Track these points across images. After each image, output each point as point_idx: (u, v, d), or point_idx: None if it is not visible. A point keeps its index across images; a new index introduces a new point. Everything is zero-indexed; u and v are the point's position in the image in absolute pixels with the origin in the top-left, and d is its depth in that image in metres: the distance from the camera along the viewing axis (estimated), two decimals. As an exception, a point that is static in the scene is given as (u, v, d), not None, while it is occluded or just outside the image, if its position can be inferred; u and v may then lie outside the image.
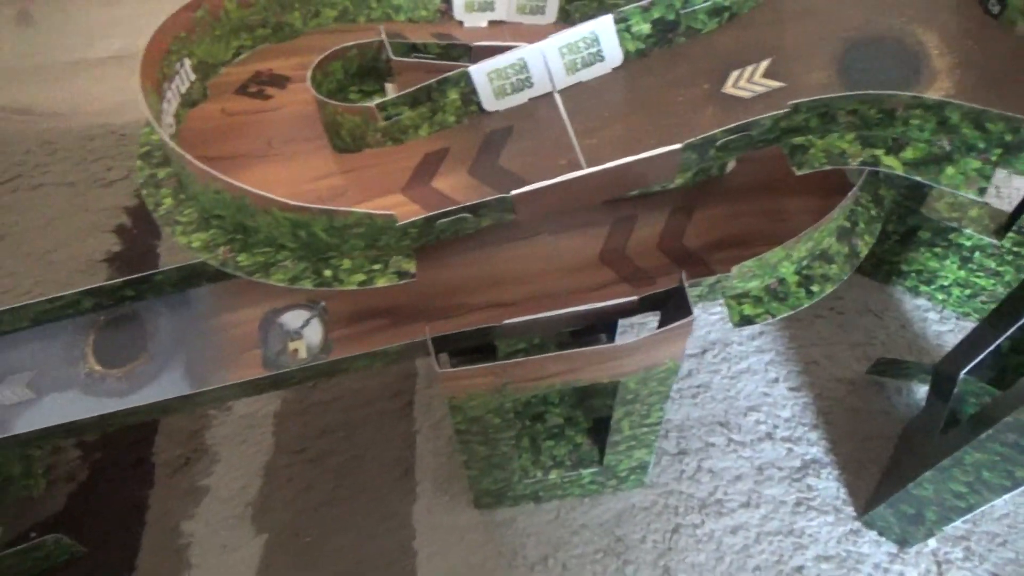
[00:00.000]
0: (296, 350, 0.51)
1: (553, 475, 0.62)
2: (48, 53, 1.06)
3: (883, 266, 0.75)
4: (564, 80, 0.44)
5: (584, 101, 0.44)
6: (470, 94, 0.44)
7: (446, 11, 0.59)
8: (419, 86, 0.43)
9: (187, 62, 0.47)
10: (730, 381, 0.72)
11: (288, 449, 0.70)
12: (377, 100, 0.45)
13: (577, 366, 0.45)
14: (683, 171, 0.40)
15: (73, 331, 0.54)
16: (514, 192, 0.37)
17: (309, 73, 0.46)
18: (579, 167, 0.40)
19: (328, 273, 0.39)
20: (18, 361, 0.54)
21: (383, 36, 0.49)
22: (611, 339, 0.61)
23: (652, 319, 0.75)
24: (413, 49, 0.50)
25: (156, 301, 0.54)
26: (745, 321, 0.46)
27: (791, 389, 0.71)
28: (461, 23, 0.59)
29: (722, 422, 0.70)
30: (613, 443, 0.57)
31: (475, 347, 0.57)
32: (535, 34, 0.59)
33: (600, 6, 0.59)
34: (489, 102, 0.44)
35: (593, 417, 0.65)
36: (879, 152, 0.40)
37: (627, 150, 0.39)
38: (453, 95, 0.44)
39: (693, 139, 0.38)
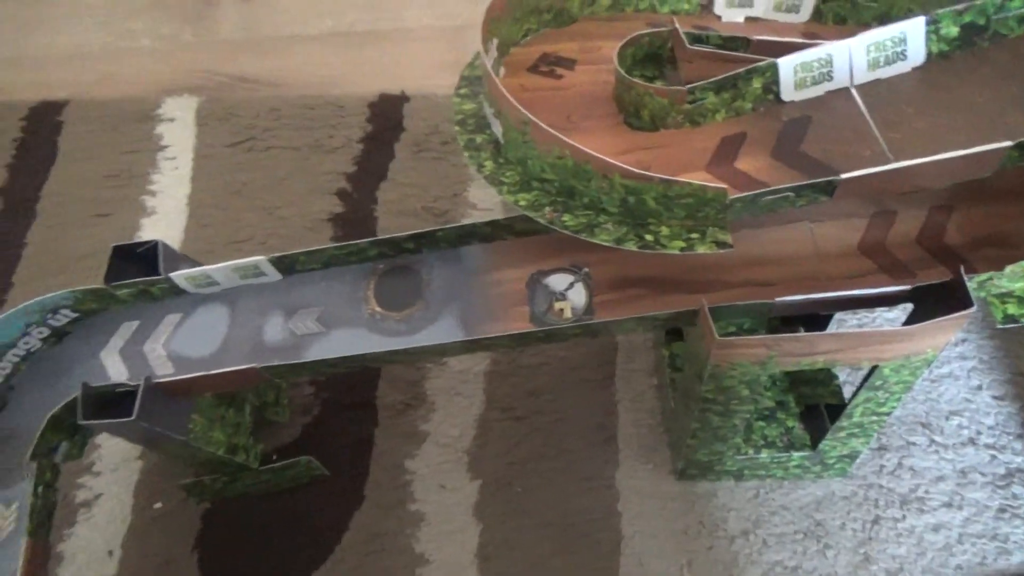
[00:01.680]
0: (561, 310, 0.55)
1: (764, 454, 0.64)
2: (266, 29, 1.15)
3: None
4: (863, 76, 0.47)
5: (882, 96, 0.46)
6: (771, 84, 0.47)
7: (707, 5, 0.62)
8: (727, 74, 0.47)
9: (495, 41, 0.52)
10: (931, 384, 0.73)
11: (498, 406, 0.75)
12: (657, 84, 0.49)
13: (847, 347, 0.47)
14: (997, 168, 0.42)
15: (356, 276, 0.61)
16: (844, 176, 0.40)
17: (615, 55, 0.51)
18: (884, 158, 0.43)
19: (649, 238, 0.43)
20: (310, 298, 0.60)
21: (676, 25, 0.52)
22: (816, 330, 0.64)
23: (879, 313, 0.76)
24: (696, 40, 0.54)
25: (430, 255, 0.60)
26: (1009, 320, 0.48)
27: (995, 398, 0.72)
28: (719, 17, 0.63)
29: (923, 423, 0.71)
30: (838, 428, 0.59)
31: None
32: (787, 31, 0.62)
33: (853, 7, 0.61)
34: (788, 92, 0.48)
35: (804, 403, 0.67)
36: None
37: (934, 145, 0.42)
38: (757, 84, 0.47)
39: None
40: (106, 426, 0.57)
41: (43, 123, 1.03)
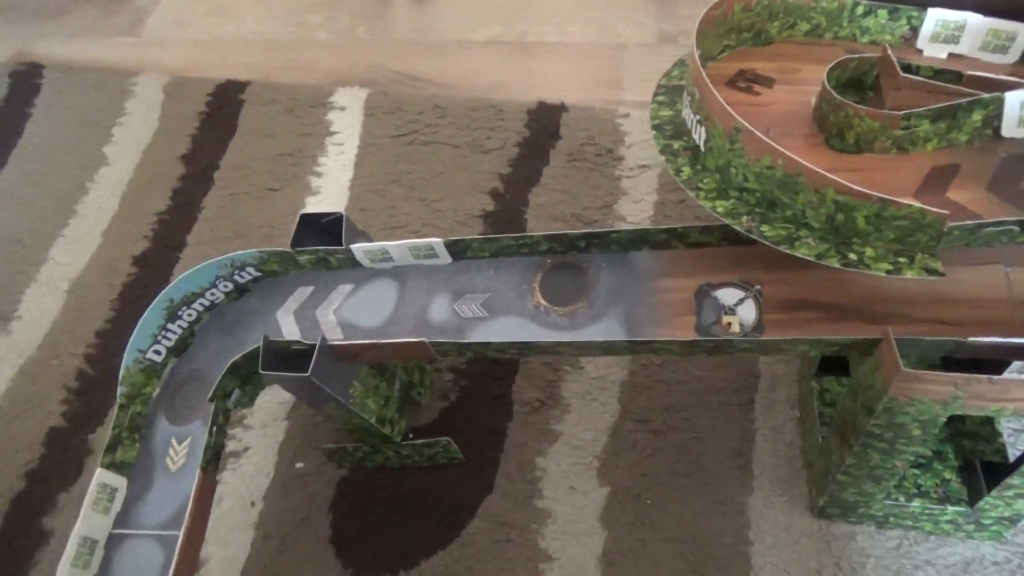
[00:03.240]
0: (729, 324, 0.55)
1: (916, 503, 0.62)
2: (435, 32, 1.21)
3: None
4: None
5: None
6: (993, 118, 0.46)
7: (910, 38, 0.61)
8: (946, 104, 0.46)
9: (697, 52, 0.53)
10: (1105, 459, 0.68)
11: (633, 416, 0.75)
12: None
13: (1044, 396, 0.45)
14: None
15: (524, 268, 0.62)
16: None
17: (824, 76, 0.51)
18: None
19: (853, 257, 0.43)
20: (477, 284, 0.63)
21: (889, 52, 0.52)
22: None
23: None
24: (906, 69, 0.53)
25: (598, 256, 0.62)
26: None
27: None
28: (920, 51, 0.61)
29: (1093, 498, 0.66)
30: (1007, 487, 0.56)
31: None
32: (992, 72, 0.60)
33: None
34: (1009, 128, 0.46)
35: (963, 457, 0.64)
36: None
37: None
38: (977, 116, 0.46)
39: None
40: (281, 379, 0.61)
41: (227, 100, 1.11)
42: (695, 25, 0.53)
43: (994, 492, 0.58)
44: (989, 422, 0.65)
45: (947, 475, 0.63)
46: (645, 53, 1.12)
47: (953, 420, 0.66)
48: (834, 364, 0.71)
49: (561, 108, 1.03)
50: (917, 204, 0.40)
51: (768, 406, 0.75)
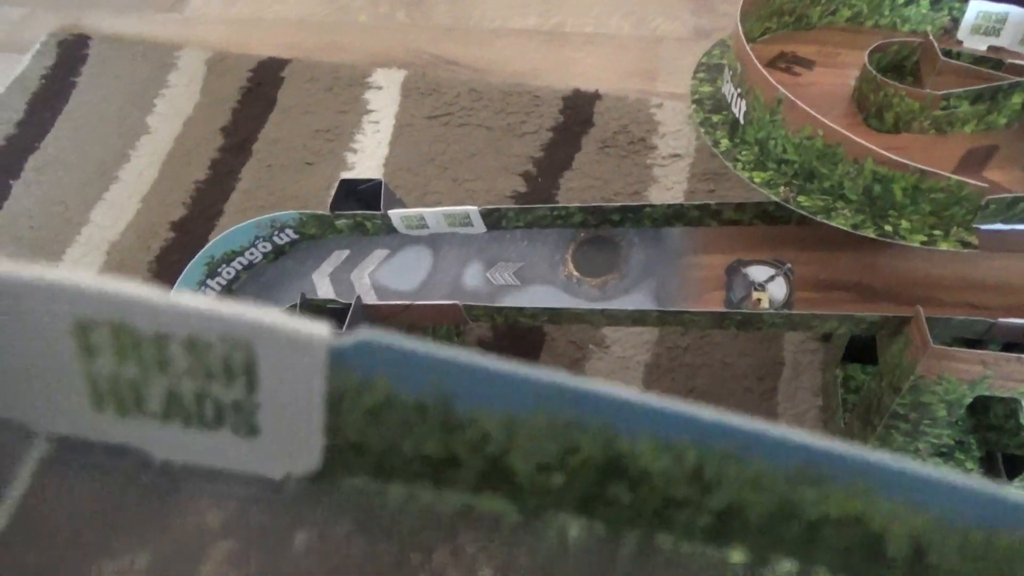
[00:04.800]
0: (759, 300, 0.56)
1: (936, 491, 0.62)
2: (473, 19, 1.22)
3: None
4: None
5: None
6: (1034, 101, 0.47)
7: (950, 29, 0.62)
8: (986, 85, 0.47)
9: (741, 27, 0.54)
10: None
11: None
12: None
13: (1076, 379, 0.46)
14: None
15: (557, 239, 0.64)
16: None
17: (866, 56, 0.51)
18: None
19: (888, 228, 0.43)
20: (510, 253, 0.64)
21: (930, 36, 0.53)
22: None
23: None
24: (947, 55, 0.53)
25: (631, 231, 0.63)
26: None
27: None
28: (960, 43, 0.62)
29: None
30: (1030, 476, 0.57)
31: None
32: (1031, 65, 0.60)
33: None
34: (1049, 112, 0.47)
35: (985, 449, 0.64)
36: None
37: None
38: (1017, 99, 0.47)
39: None
40: (315, 335, 0.62)
41: (268, 77, 1.14)
42: (731, 21, 0.54)
43: (1016, 482, 0.58)
44: (1014, 415, 0.65)
45: (969, 465, 0.63)
46: (681, 47, 1.13)
47: (977, 413, 0.67)
48: (859, 352, 0.71)
49: (595, 96, 1.04)
50: (955, 177, 0.40)
51: (791, 394, 0.75)
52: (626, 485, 0.15)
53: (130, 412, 0.15)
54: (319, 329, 0.16)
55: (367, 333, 0.16)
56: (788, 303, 0.55)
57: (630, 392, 0.16)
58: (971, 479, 0.14)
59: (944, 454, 0.64)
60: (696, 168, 0.95)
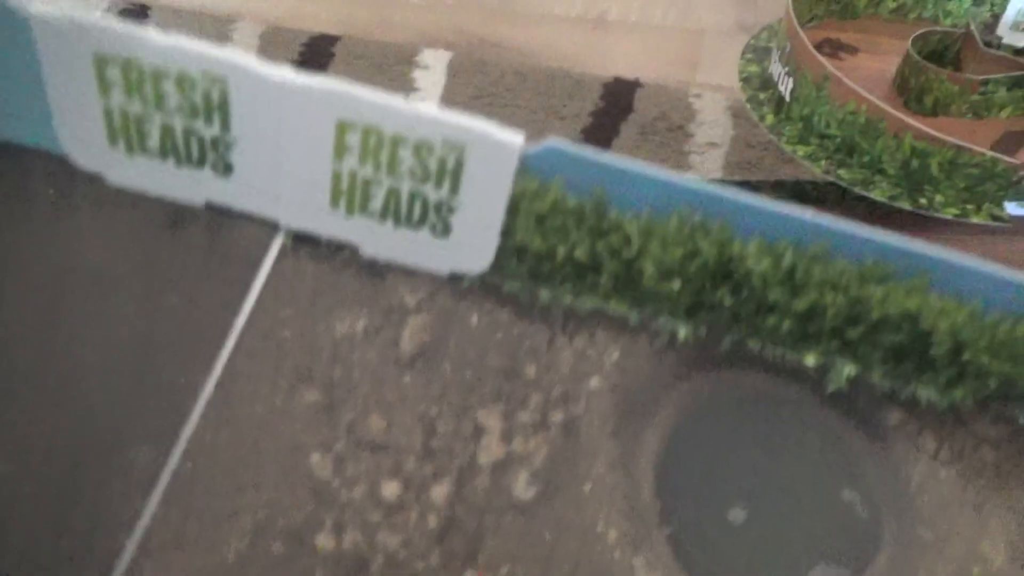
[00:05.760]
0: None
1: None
2: (520, 4, 1.25)
3: None
4: None
5: None
6: (1070, 89, 0.49)
7: (991, 25, 0.64)
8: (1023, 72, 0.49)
9: (792, 7, 0.57)
10: None
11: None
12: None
13: None
14: None
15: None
16: None
17: (910, 42, 0.54)
18: None
19: (923, 201, 0.46)
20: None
21: (972, 27, 0.55)
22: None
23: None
24: (987, 45, 0.56)
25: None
26: None
27: None
28: (1000, 38, 0.64)
29: None
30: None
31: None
32: (1070, 62, 0.62)
33: None
34: (1084, 100, 0.49)
35: None
36: None
37: None
38: (1053, 86, 0.49)
39: None
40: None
41: (319, 52, 1.18)
42: (773, 17, 0.57)
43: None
44: None
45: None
46: (723, 40, 1.15)
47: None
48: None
49: (636, 84, 1.07)
50: (990, 153, 0.43)
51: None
52: (730, 288, 0.19)
53: (358, 210, 0.19)
54: (515, 136, 0.21)
55: (553, 140, 0.21)
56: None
57: (749, 196, 0.19)
58: (1010, 271, 0.17)
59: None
60: (731, 157, 0.98)
